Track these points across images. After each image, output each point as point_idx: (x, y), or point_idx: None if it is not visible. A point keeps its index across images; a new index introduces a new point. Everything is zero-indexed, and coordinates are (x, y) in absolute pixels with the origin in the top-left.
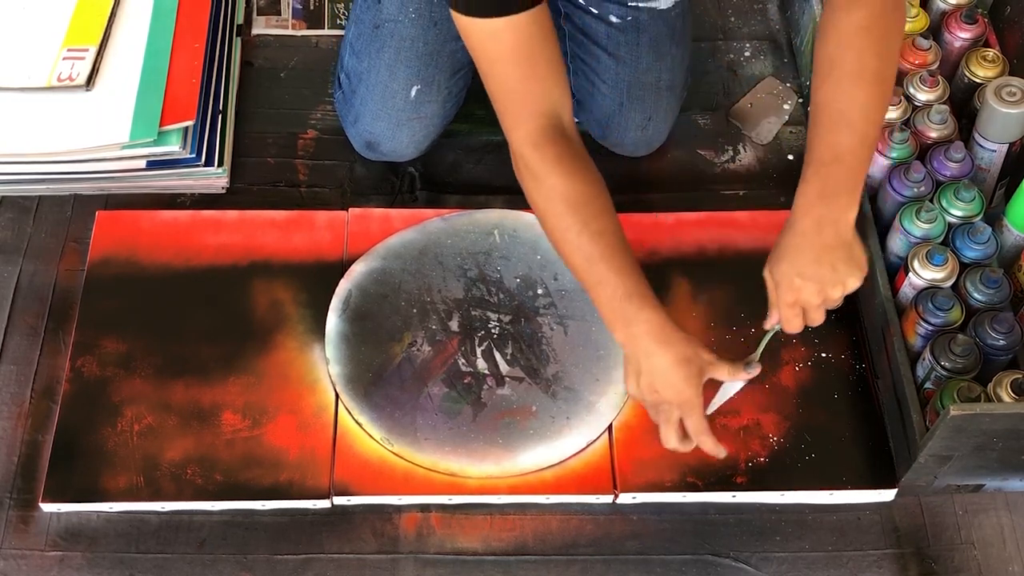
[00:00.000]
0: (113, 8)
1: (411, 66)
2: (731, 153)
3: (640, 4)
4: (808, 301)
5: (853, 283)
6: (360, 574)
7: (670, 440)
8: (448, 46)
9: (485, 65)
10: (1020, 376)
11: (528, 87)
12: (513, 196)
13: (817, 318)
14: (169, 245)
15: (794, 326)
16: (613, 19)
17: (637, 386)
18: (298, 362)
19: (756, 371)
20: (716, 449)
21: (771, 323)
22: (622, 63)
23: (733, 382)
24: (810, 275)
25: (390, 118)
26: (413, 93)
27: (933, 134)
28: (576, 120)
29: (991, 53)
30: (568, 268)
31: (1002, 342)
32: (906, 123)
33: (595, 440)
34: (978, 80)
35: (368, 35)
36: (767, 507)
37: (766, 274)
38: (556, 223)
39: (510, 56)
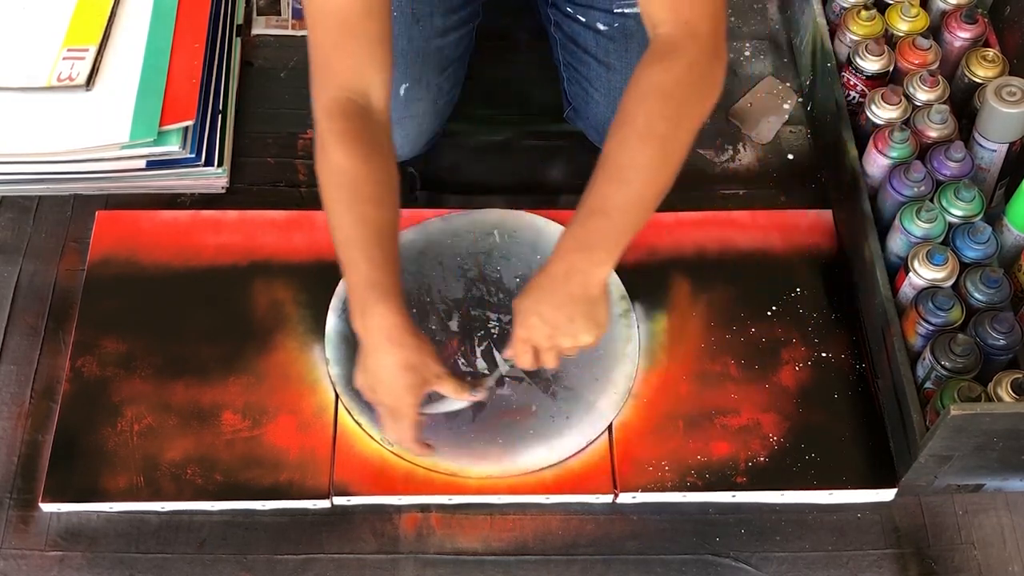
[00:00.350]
0: (113, 8)
1: (397, 65)
2: (731, 153)
3: (627, 10)
4: (539, 342)
5: (585, 339)
6: (360, 574)
7: (385, 431)
8: (433, 43)
9: (308, 23)
10: (1020, 376)
11: (339, 58)
12: (513, 196)
13: (548, 361)
14: (169, 245)
15: (524, 362)
16: (601, 27)
17: (361, 379)
18: (298, 362)
19: (481, 396)
20: (424, 451)
21: (507, 354)
22: (613, 71)
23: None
24: (547, 318)
25: None
26: (402, 92)
27: (933, 134)
28: (576, 126)
29: (991, 53)
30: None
31: (1002, 342)
32: (906, 123)
33: (595, 440)
34: (978, 80)
35: None
36: (767, 507)
37: (514, 304)
38: (328, 196)
39: (331, 23)
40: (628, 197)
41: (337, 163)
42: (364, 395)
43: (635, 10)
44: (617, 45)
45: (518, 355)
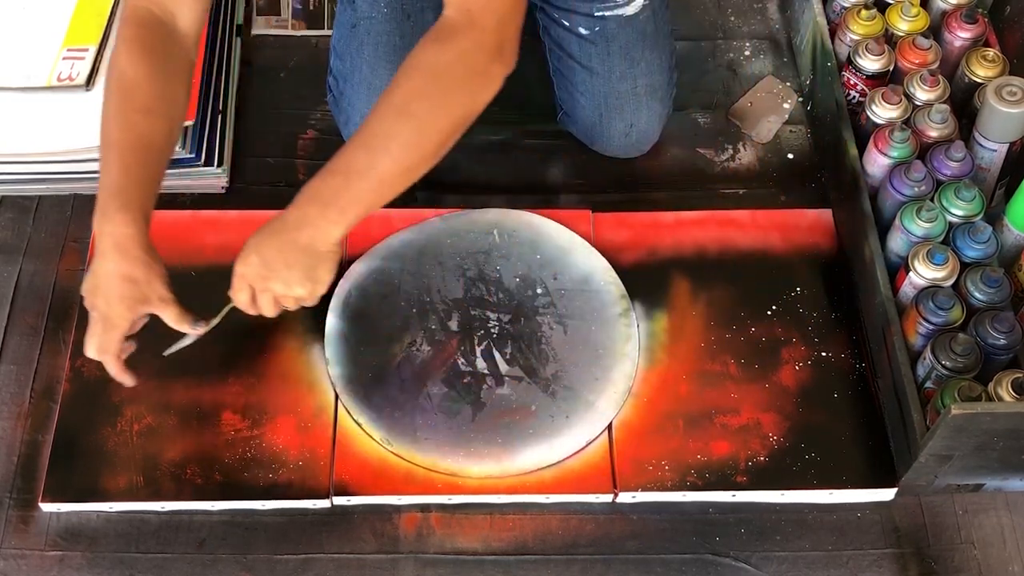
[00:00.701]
0: (113, 8)
1: (390, 60)
2: (731, 152)
3: (606, 13)
4: (253, 281)
5: (299, 291)
6: (360, 574)
7: (88, 347)
8: None
9: None
10: (1021, 375)
11: None
12: (512, 196)
13: (264, 306)
14: (169, 245)
15: (240, 301)
16: (582, 31)
17: (86, 283)
18: (298, 362)
19: (201, 330)
20: (121, 376)
21: (230, 291)
22: (596, 75)
23: (187, 333)
24: (266, 258)
25: None
26: None
27: (933, 133)
28: (567, 129)
29: (991, 53)
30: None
31: (1003, 341)
32: (906, 122)
33: (595, 439)
34: (978, 80)
35: (347, 36)
36: (767, 507)
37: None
38: (104, 99)
39: None
40: (371, 166)
41: (119, 67)
42: (85, 299)
43: (614, 12)
44: (599, 49)
45: (234, 290)
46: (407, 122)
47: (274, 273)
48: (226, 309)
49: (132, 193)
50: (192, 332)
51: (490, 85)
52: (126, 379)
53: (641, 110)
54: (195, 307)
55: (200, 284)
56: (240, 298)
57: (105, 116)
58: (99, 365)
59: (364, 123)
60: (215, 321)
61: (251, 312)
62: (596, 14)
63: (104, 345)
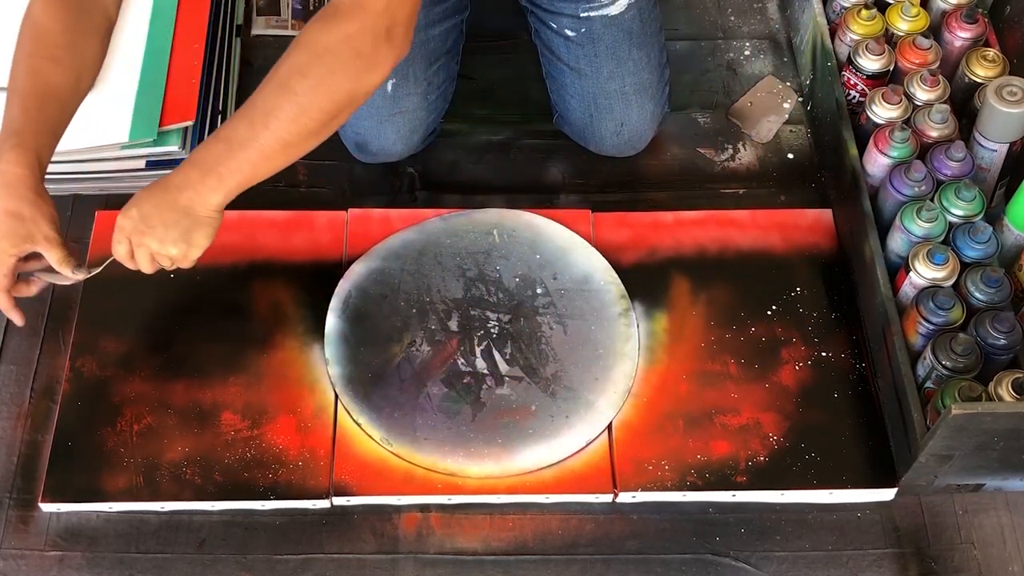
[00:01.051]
0: None
1: None
2: (731, 152)
3: (592, 14)
4: (130, 234)
5: (172, 252)
6: (360, 574)
7: None
8: (418, 36)
9: None
10: (1021, 375)
11: None
12: (512, 196)
13: (140, 260)
14: None
15: (118, 253)
16: (569, 33)
17: None
18: (298, 362)
19: (80, 276)
20: (10, 312)
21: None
22: (584, 76)
23: (60, 273)
24: (144, 214)
25: (372, 115)
26: (390, 87)
27: (934, 133)
28: (561, 130)
29: (991, 53)
30: None
31: (1003, 341)
32: (907, 122)
33: (594, 439)
34: (978, 80)
35: None
36: (767, 507)
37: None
38: (16, 45)
39: None
40: (253, 138)
41: (33, 15)
42: None
43: (599, 13)
44: (585, 50)
45: (113, 242)
46: (288, 98)
47: (151, 230)
48: (107, 261)
49: (28, 136)
50: (71, 277)
51: (377, 68)
52: (15, 316)
53: (631, 109)
54: (197, 308)
55: (200, 284)
56: (118, 250)
57: (15, 61)
58: (99, 365)
59: (253, 94)
60: (96, 271)
61: (129, 266)
62: (581, 15)
63: None
